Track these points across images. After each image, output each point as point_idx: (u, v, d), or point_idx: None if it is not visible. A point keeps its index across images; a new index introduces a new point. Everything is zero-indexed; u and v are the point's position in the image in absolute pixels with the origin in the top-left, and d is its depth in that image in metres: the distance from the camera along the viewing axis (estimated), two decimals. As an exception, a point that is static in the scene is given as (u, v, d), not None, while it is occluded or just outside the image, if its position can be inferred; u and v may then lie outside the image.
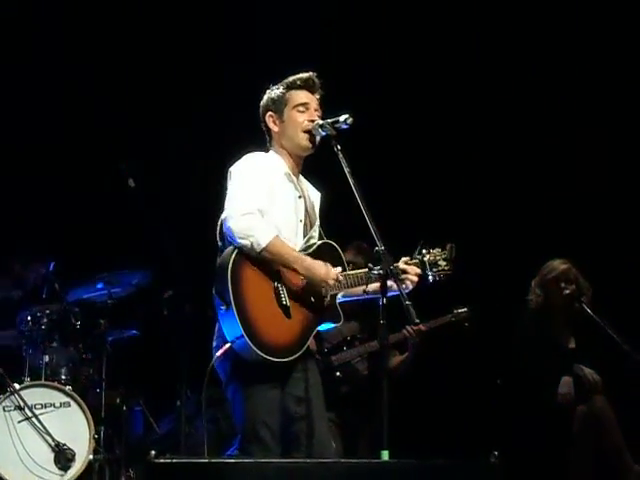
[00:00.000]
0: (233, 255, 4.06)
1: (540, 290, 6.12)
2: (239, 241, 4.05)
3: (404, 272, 4.29)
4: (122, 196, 5.91)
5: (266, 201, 4.16)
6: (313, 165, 4.45)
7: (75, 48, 7.29)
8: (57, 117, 7.39)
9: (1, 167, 7.23)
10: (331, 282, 4.14)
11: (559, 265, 6.11)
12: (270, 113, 4.36)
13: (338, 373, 6.05)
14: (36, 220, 7.15)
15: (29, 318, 6.15)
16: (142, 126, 7.37)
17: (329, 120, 4.25)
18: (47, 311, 6.22)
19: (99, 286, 6.43)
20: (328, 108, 4.38)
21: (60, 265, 6.35)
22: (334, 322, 4.27)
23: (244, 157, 4.30)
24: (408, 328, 6.27)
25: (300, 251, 4.23)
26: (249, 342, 4.00)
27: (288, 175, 4.31)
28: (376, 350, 6.23)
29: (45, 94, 7.27)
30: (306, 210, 4.35)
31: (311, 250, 4.28)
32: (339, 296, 4.35)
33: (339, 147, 4.15)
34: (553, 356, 5.99)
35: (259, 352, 4.01)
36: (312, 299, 4.19)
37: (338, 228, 4.52)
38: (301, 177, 4.43)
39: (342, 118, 4.21)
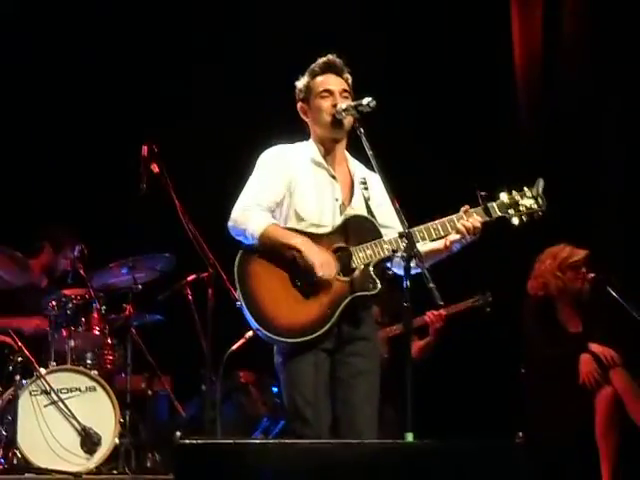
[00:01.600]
0: (239, 256, 4.17)
1: (561, 274, 6.05)
2: (238, 237, 4.18)
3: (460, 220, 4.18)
4: (146, 180, 5.91)
5: (277, 192, 4.23)
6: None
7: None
8: (82, 100, 7.53)
9: (24, 153, 7.32)
10: (319, 275, 4.06)
11: (577, 250, 6.06)
12: (300, 104, 4.41)
13: None
14: (61, 205, 7.21)
15: (55, 303, 6.17)
16: (168, 103, 7.44)
17: (352, 103, 4.24)
18: (72, 296, 6.26)
19: (124, 271, 6.45)
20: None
21: (85, 250, 6.39)
22: (366, 291, 4.19)
23: (264, 152, 4.36)
24: (429, 313, 6.29)
25: (335, 227, 4.22)
26: (265, 333, 4.08)
27: (314, 161, 4.32)
28: (397, 334, 6.24)
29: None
30: (348, 189, 4.32)
31: (337, 226, 4.22)
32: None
33: (362, 130, 4.15)
34: (564, 342, 5.96)
35: (277, 338, 4.08)
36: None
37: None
38: (348, 158, 4.41)
39: (365, 101, 4.20)
